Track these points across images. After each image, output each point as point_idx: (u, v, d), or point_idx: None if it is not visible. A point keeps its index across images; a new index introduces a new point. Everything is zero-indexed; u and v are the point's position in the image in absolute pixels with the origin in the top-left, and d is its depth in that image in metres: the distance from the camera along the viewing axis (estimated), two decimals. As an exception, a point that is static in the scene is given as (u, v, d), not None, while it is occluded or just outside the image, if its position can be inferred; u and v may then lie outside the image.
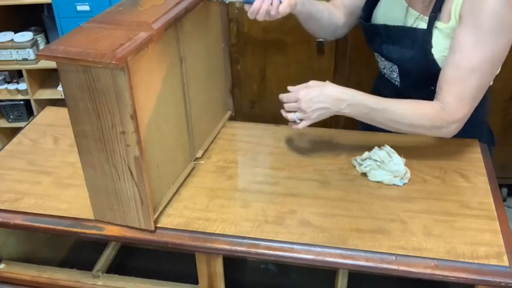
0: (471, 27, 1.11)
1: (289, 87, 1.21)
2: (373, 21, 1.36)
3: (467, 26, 1.11)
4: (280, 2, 1.19)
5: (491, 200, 1.16)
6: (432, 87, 1.28)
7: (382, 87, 1.45)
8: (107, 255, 1.35)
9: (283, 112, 1.22)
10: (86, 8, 2.53)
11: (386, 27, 1.30)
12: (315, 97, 1.16)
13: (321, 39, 2.08)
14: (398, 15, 1.28)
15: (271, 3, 1.18)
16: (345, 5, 1.42)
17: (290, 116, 1.20)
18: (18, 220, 1.16)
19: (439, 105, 1.16)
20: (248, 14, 1.20)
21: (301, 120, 1.19)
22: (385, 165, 1.21)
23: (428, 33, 1.20)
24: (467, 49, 1.11)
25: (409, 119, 1.17)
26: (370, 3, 1.37)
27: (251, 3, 1.18)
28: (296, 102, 1.18)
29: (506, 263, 1.00)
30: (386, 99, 1.18)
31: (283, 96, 1.21)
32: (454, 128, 1.18)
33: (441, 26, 1.19)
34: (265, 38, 2.16)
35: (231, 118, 1.51)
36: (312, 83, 1.19)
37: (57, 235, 1.24)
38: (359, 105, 1.16)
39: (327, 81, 1.19)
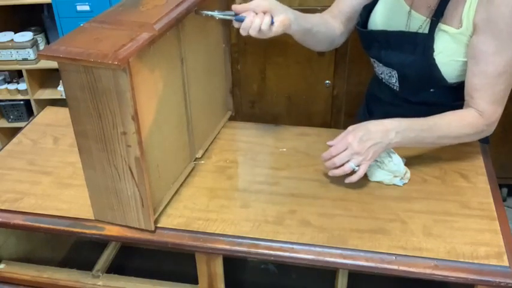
0: (490, 36, 1.12)
1: (329, 143, 1.18)
2: (371, 27, 1.34)
3: (487, 35, 1.13)
4: (272, 22, 1.14)
5: (491, 200, 1.16)
6: (432, 90, 1.28)
7: (378, 92, 1.44)
8: (107, 255, 1.35)
9: (334, 171, 1.17)
10: (86, 8, 2.54)
11: (385, 33, 1.29)
12: (364, 136, 1.14)
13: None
14: (399, 20, 1.27)
15: (262, 21, 1.13)
16: (343, 12, 1.37)
17: (347, 167, 1.15)
18: (18, 220, 1.16)
19: (476, 112, 1.18)
20: (240, 31, 1.16)
21: (358, 166, 1.15)
22: (385, 165, 1.21)
23: (430, 37, 1.20)
24: (491, 57, 1.13)
25: (455, 132, 1.18)
26: (367, 9, 1.35)
27: (242, 20, 1.13)
28: (347, 149, 1.14)
29: (506, 263, 1.00)
30: (426, 118, 1.18)
31: (331, 150, 1.16)
32: (493, 128, 1.21)
33: (451, 31, 1.18)
34: (265, 38, 2.16)
35: (231, 118, 1.51)
36: (351, 127, 1.17)
37: (57, 235, 1.24)
38: (406, 131, 1.15)
39: (365, 121, 1.17)
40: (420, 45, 1.22)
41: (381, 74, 1.38)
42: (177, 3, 1.10)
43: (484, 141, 1.33)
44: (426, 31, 1.21)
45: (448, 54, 1.20)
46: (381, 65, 1.35)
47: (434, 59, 1.21)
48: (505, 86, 1.16)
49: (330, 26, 1.36)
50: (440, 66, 1.21)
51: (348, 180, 1.17)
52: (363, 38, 1.36)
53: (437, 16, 1.19)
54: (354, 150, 1.14)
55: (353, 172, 1.16)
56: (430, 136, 1.18)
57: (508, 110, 1.26)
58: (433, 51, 1.21)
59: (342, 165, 1.16)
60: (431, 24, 1.20)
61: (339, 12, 1.38)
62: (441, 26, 1.20)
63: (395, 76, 1.32)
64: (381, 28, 1.31)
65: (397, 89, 1.35)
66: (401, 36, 1.26)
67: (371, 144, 1.14)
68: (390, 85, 1.37)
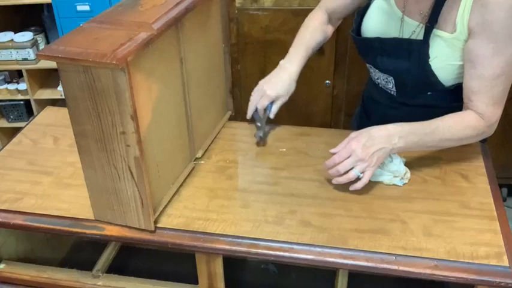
0: (486, 39, 1.12)
1: (331, 150, 1.17)
2: (364, 32, 1.34)
3: (483, 39, 1.12)
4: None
5: (491, 200, 1.16)
6: (429, 93, 1.28)
7: (375, 94, 1.44)
8: (107, 255, 1.35)
9: (339, 179, 1.16)
10: (86, 8, 2.54)
11: (380, 40, 1.28)
12: (367, 142, 1.13)
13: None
14: (392, 25, 1.27)
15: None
16: (338, 11, 1.43)
17: (352, 174, 1.14)
18: (18, 220, 1.16)
19: (476, 114, 1.18)
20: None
21: (362, 172, 1.14)
22: (385, 165, 1.21)
23: (425, 44, 1.20)
24: (487, 60, 1.13)
25: (457, 134, 1.18)
26: (360, 14, 1.35)
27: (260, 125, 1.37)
28: (350, 156, 1.13)
29: (506, 263, 1.00)
30: (429, 121, 1.17)
31: (335, 158, 1.15)
32: (493, 129, 1.21)
33: (445, 36, 1.18)
34: (265, 38, 2.16)
35: (231, 118, 1.51)
36: (354, 134, 1.16)
37: (57, 235, 1.24)
38: (409, 135, 1.15)
39: (367, 127, 1.17)
40: (415, 52, 1.21)
41: (378, 79, 1.38)
42: (175, 2, 1.10)
43: (482, 140, 1.33)
44: (420, 37, 1.21)
45: (443, 59, 1.20)
46: (377, 71, 1.35)
47: (430, 65, 1.21)
48: (503, 87, 1.16)
49: (327, 34, 1.44)
50: (436, 71, 1.21)
51: (353, 187, 1.16)
52: (358, 44, 1.37)
53: (432, 23, 1.18)
54: (358, 157, 1.13)
55: (357, 179, 1.15)
56: (433, 140, 1.17)
57: (508, 111, 1.26)
58: (428, 57, 1.20)
59: (346, 172, 1.15)
60: (425, 31, 1.20)
61: (334, 9, 1.43)
62: (435, 31, 1.19)
63: (392, 82, 1.32)
64: (374, 34, 1.30)
65: (395, 94, 1.35)
66: (396, 43, 1.25)
67: (375, 150, 1.13)
68: (387, 90, 1.37)
